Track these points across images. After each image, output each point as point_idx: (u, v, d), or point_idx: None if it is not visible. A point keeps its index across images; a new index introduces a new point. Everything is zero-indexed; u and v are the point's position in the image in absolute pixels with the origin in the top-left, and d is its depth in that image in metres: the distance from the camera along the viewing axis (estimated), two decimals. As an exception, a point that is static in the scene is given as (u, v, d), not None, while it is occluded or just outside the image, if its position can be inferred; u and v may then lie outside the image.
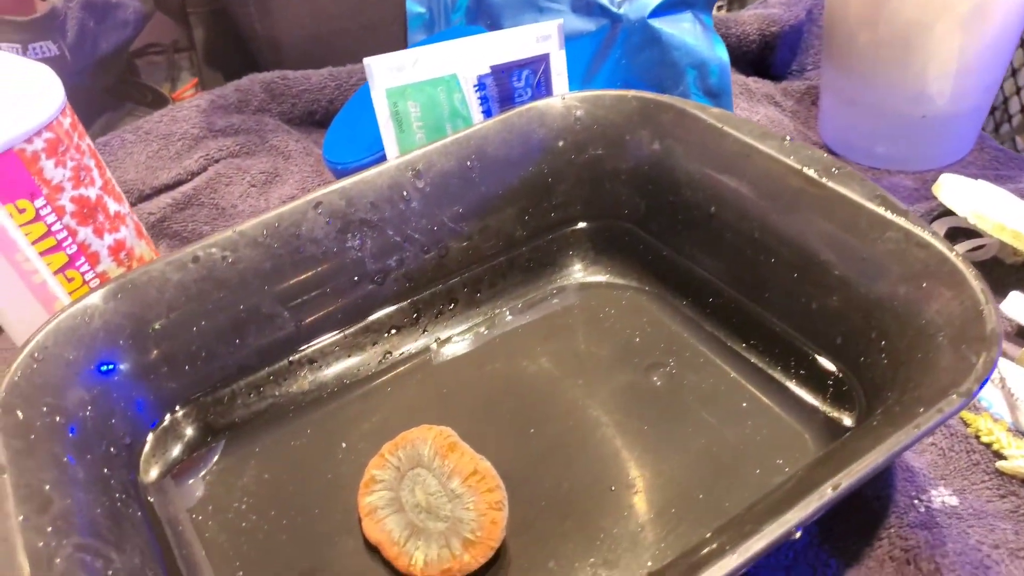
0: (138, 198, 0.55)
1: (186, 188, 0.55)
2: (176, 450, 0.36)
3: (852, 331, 0.34)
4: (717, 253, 0.40)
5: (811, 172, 0.36)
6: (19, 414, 0.30)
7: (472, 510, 0.31)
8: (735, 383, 0.37)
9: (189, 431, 0.37)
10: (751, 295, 0.39)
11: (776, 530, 0.22)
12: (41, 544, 0.25)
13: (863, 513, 0.33)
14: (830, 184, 0.35)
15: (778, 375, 0.36)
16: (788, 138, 0.37)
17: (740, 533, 0.22)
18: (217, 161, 0.57)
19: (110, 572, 0.26)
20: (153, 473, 0.35)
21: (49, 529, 0.26)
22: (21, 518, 0.25)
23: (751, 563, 0.22)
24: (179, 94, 0.81)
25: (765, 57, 0.67)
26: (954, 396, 0.25)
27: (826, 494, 0.23)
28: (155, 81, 0.82)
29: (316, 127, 0.62)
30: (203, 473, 0.36)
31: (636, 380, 0.38)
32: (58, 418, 0.31)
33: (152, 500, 0.34)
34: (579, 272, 0.44)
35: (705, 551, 0.22)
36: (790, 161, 0.36)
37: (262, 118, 0.60)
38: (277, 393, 0.39)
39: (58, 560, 0.25)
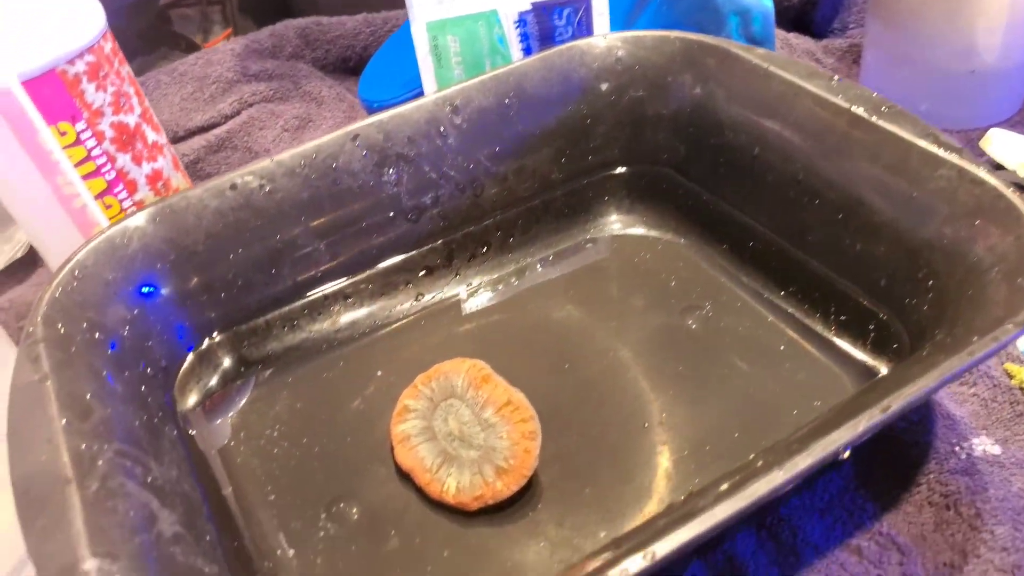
0: (172, 139, 0.55)
1: (219, 131, 0.55)
2: (211, 380, 0.37)
3: (898, 272, 0.33)
4: (759, 197, 0.39)
5: (860, 111, 0.35)
6: (60, 327, 0.30)
7: (505, 439, 0.31)
8: (773, 327, 0.36)
9: (224, 361, 0.37)
10: (792, 239, 0.38)
11: (825, 447, 0.21)
12: (84, 447, 0.25)
13: (902, 459, 0.33)
14: (880, 123, 0.34)
15: (818, 319, 0.36)
16: (836, 78, 0.36)
17: (787, 452, 0.21)
18: (251, 105, 0.57)
19: (149, 479, 0.26)
20: (188, 401, 0.36)
21: (91, 434, 0.26)
22: (64, 422, 0.26)
23: (797, 480, 0.21)
24: (210, 45, 0.81)
25: (807, 13, 0.65)
26: (1010, 326, 0.24)
27: (875, 416, 0.22)
28: (187, 33, 0.83)
29: (350, 74, 0.62)
30: (236, 403, 0.36)
31: (671, 322, 0.37)
32: (97, 334, 0.31)
33: (186, 426, 0.34)
34: (614, 219, 0.43)
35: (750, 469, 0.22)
36: (838, 100, 0.35)
37: (296, 64, 0.60)
38: (311, 327, 0.39)
39: (100, 463, 0.25)
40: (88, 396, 0.28)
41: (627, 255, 0.41)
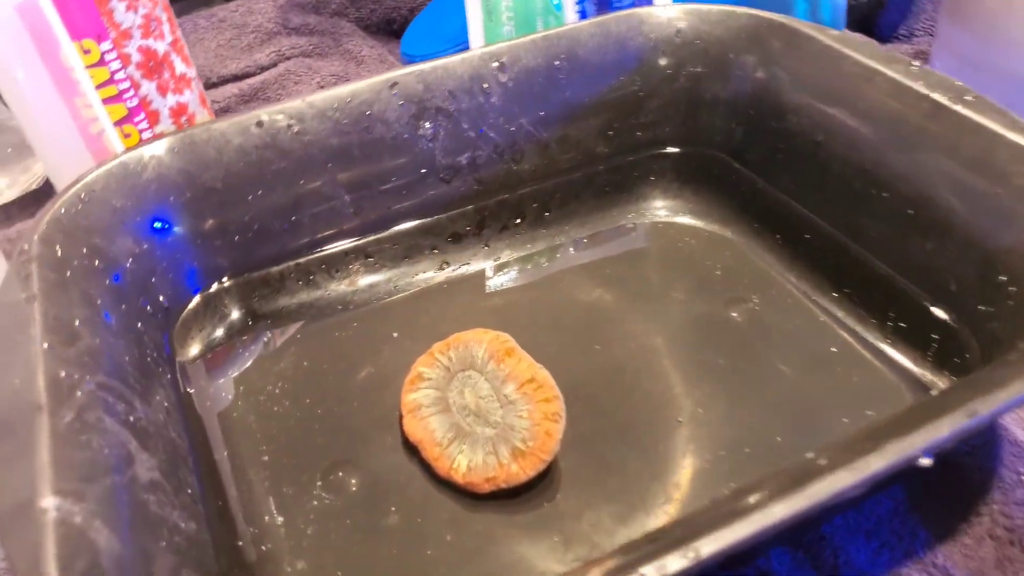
0: (204, 86, 0.53)
1: (254, 81, 0.53)
2: (215, 331, 0.34)
3: (972, 275, 0.30)
4: (819, 187, 0.36)
5: (940, 98, 0.32)
6: (57, 249, 0.28)
7: (526, 418, 0.29)
8: (825, 327, 0.33)
9: (232, 312, 0.35)
10: (853, 234, 0.35)
11: (902, 449, 0.18)
12: (63, 374, 0.23)
13: (961, 485, 0.29)
14: (963, 111, 0.31)
15: (876, 322, 0.33)
16: (916, 63, 0.33)
17: (855, 451, 0.19)
18: (288, 59, 0.55)
19: (132, 419, 0.24)
20: (189, 352, 0.33)
21: (73, 362, 0.24)
22: (46, 345, 0.23)
23: (866, 485, 0.18)
24: None
25: (872, 15, 0.62)
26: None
27: (959, 420, 0.19)
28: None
29: (393, 36, 0.59)
30: (238, 356, 0.34)
31: (713, 312, 0.34)
32: (97, 262, 0.29)
33: (183, 377, 0.32)
34: (659, 203, 0.40)
35: (808, 468, 0.19)
36: (917, 86, 0.32)
37: (338, 21, 0.58)
38: (327, 285, 0.36)
39: (79, 393, 0.23)
40: (77, 323, 0.25)
41: (670, 241, 0.38)
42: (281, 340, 0.34)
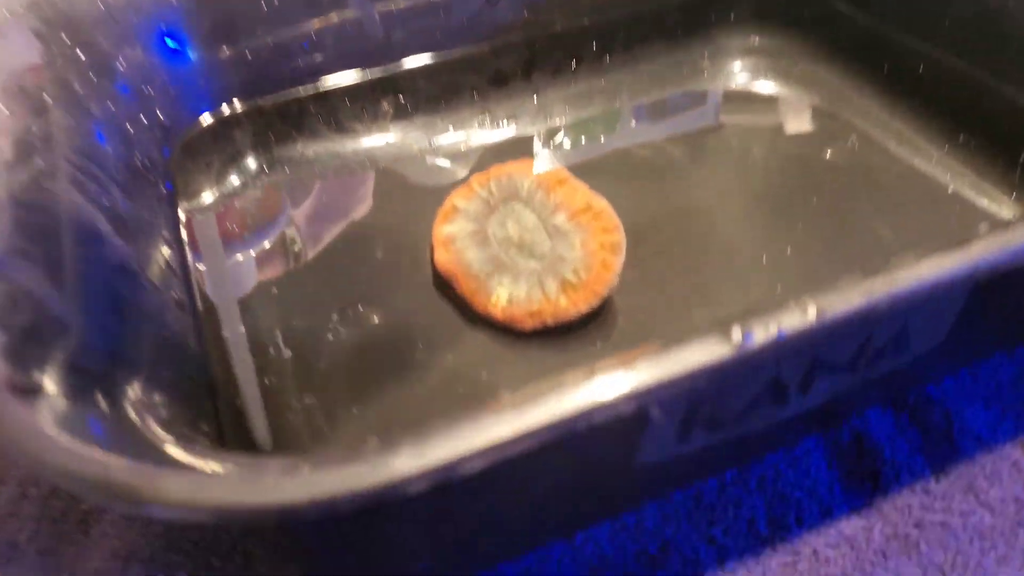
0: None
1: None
2: (225, 175, 0.30)
3: None
4: (941, 10, 0.30)
5: None
6: (32, 28, 0.23)
7: (578, 249, 0.24)
8: (941, 166, 0.28)
9: (243, 151, 0.31)
10: (986, 61, 0.29)
11: None
12: (21, 138, 0.19)
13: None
14: None
15: (1004, 164, 0.27)
16: None
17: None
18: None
19: (106, 202, 0.20)
20: (196, 198, 0.29)
21: (36, 131, 0.19)
22: (6, 110, 0.19)
23: (989, 270, 0.13)
24: None
25: None
26: None
27: None
28: None
29: None
30: (250, 200, 0.29)
31: (805, 152, 0.29)
32: (79, 52, 0.25)
33: (185, 217, 0.28)
34: (736, 54, 0.35)
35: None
36: None
37: None
38: (351, 127, 0.31)
39: (39, 160, 0.18)
40: (45, 96, 0.21)
41: (748, 105, 0.33)
42: (300, 180, 0.30)
